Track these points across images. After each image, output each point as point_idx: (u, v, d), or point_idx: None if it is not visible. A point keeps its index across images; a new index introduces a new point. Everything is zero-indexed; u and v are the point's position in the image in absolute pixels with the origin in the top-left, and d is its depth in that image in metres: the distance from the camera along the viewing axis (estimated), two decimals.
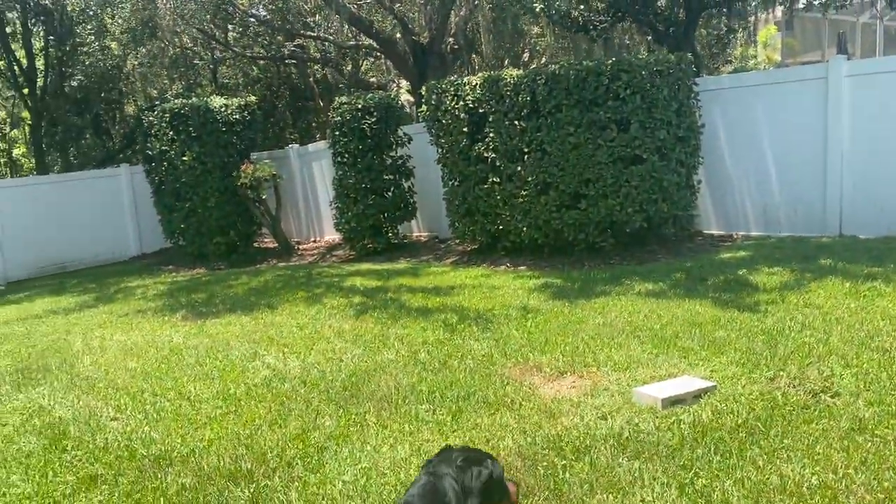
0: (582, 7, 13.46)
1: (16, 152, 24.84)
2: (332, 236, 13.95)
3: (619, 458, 3.69)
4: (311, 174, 14.83)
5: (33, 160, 21.86)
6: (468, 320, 6.58)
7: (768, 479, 3.39)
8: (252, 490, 3.66)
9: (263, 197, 13.43)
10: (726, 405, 4.20)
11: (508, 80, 9.27)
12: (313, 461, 3.93)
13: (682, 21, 12.45)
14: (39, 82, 19.89)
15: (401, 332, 6.37)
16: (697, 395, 4.41)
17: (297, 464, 3.91)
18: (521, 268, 9.32)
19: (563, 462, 3.69)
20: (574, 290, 7.53)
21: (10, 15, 18.99)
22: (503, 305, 7.06)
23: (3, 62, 19.84)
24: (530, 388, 4.76)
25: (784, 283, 6.76)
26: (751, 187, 9.46)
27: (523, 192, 9.30)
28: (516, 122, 9.20)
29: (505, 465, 3.72)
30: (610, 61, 8.62)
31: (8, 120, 23.32)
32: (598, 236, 8.97)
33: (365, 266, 10.76)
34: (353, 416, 4.49)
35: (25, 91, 19.85)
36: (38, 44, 19.97)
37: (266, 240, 14.87)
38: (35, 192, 15.31)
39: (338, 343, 6.21)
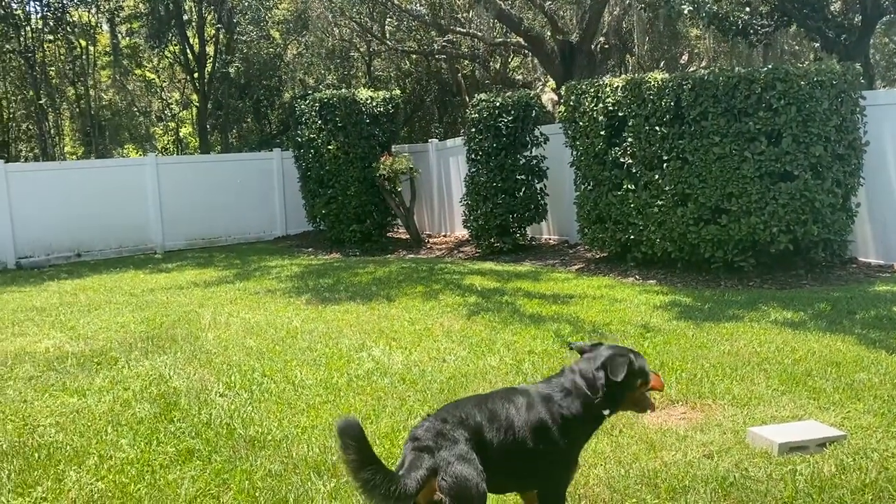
0: (748, 9, 12.61)
1: (183, 132, 26.86)
2: (461, 232, 13.98)
3: None
4: (448, 169, 14.93)
5: (198, 139, 23.55)
6: (582, 333, 6.31)
7: None
8: (333, 486, 3.65)
9: (399, 189, 13.67)
10: (854, 460, 3.73)
11: (652, 83, 8.84)
12: (397, 463, 3.86)
13: (857, 28, 11.36)
14: (208, 67, 21.35)
15: (509, 339, 6.21)
16: (822, 444, 3.95)
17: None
18: (651, 282, 8.87)
19: (656, 501, 3.41)
20: (703, 311, 7.05)
21: (187, 4, 20.49)
22: (622, 321, 6.73)
23: (178, 47, 21.47)
24: (634, 415, 4.46)
25: None
26: None
27: (659, 202, 8.85)
28: (657, 128, 8.76)
29: (592, 497, 3.50)
30: (764, 69, 7.99)
31: (179, 101, 25.24)
32: (737, 255, 8.37)
33: (488, 265, 10.67)
34: None
35: (196, 75, 21.37)
36: (209, 31, 21.42)
37: (399, 230, 15.16)
38: (195, 169, 16.47)
39: (444, 342, 6.15)
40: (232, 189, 16.11)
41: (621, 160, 9.31)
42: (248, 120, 23.93)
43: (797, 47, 19.36)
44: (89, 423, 4.57)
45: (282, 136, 21.95)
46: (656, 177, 8.87)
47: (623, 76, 9.53)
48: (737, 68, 8.35)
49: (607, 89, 9.46)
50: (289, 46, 22.29)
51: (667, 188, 8.75)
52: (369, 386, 5.08)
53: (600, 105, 9.50)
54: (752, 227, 8.12)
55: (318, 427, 4.39)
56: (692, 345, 5.90)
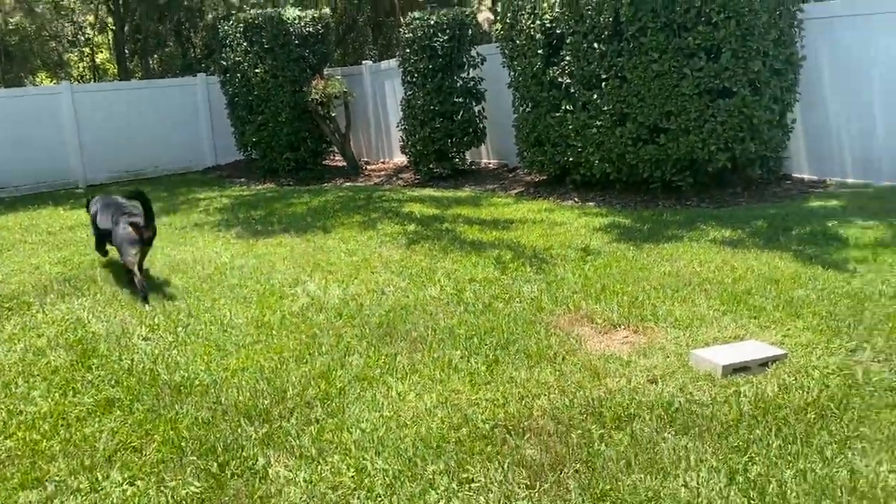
0: None
1: (100, 58, 25.23)
2: (400, 158, 13.62)
3: (664, 431, 3.30)
4: (384, 93, 14.42)
5: (116, 66, 22.18)
6: (523, 258, 6.18)
7: (836, 473, 2.94)
8: (265, 431, 3.46)
9: (333, 114, 13.16)
10: (796, 379, 3.72)
11: None
12: (333, 404, 3.69)
13: None
14: None
15: (450, 267, 6.03)
16: (764, 364, 3.93)
17: (316, 405, 3.69)
18: (590, 204, 8.79)
19: (601, 432, 3.32)
20: (643, 232, 7.00)
21: None
22: (563, 244, 6.62)
23: None
24: (577, 341, 4.37)
25: (879, 240, 6.06)
26: (851, 129, 8.50)
27: (598, 123, 8.68)
28: (596, 45, 8.50)
29: (536, 429, 3.39)
30: None
31: (94, 25, 23.59)
32: (675, 174, 8.32)
33: (427, 192, 10.42)
34: (384, 357, 4.23)
35: None
36: None
37: (336, 158, 14.68)
38: (114, 97, 15.47)
39: (383, 274, 5.94)
40: (157, 118, 15.28)
41: (560, 80, 9.06)
42: (170, 44, 22.58)
43: None
44: None
45: (207, 61, 20.82)
46: (595, 96, 8.66)
47: None
48: None
49: (545, 5, 9.10)
50: None
51: (605, 108, 8.57)
52: (304, 323, 4.85)
53: (537, 22, 9.15)
54: (691, 146, 8.04)
55: (249, 369, 4.15)
56: (633, 266, 5.83)
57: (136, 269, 5.63)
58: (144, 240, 5.72)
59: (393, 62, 13.89)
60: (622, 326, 4.62)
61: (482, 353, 4.21)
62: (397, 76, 12.74)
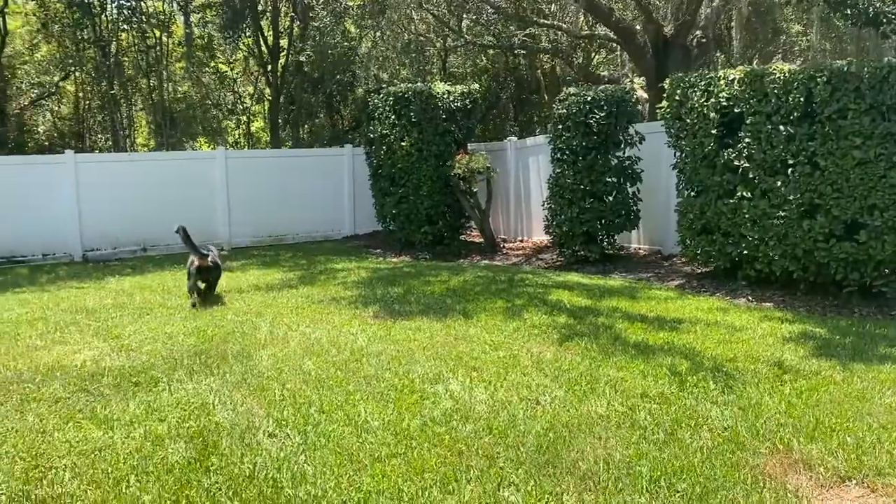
0: None
1: (255, 126, 26.52)
2: (539, 238, 12.94)
3: None
4: (527, 170, 13.90)
5: (269, 134, 23.13)
6: (702, 371, 5.22)
7: None
8: None
9: (475, 189, 12.73)
10: None
11: (777, 75, 7.64)
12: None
13: None
14: (282, 60, 20.85)
15: (614, 375, 5.16)
16: None
17: None
18: (767, 304, 7.67)
19: None
20: (846, 346, 5.86)
21: None
22: (749, 356, 5.59)
23: (252, 39, 21.04)
24: (796, 497, 3.39)
25: None
26: None
27: (781, 213, 7.65)
28: (782, 127, 7.56)
29: None
30: None
31: (252, 95, 24.88)
32: (878, 278, 7.10)
33: (574, 278, 9.59)
34: (547, 495, 3.42)
35: (269, 68, 20.90)
36: (284, 21, 20.91)
37: (472, 233, 14.22)
38: (265, 163, 15.96)
39: (535, 377, 5.15)
40: (301, 185, 15.51)
41: (736, 163, 8.12)
42: (321, 115, 23.38)
43: None
44: (111, 468, 3.76)
45: (353, 132, 21.31)
46: (779, 184, 7.66)
47: (740, 68, 8.33)
48: (886, 58, 7.07)
49: (721, 82, 8.28)
50: (363, 40, 21.59)
51: (791, 197, 7.54)
52: (448, 434, 4.12)
53: (712, 100, 8.33)
54: None
55: (386, 492, 3.46)
56: (846, 393, 4.75)
57: (194, 293, 7.97)
58: (204, 270, 7.91)
59: (540, 138, 13.39)
60: (853, 480, 3.59)
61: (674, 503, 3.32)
62: (542, 153, 12.20)
